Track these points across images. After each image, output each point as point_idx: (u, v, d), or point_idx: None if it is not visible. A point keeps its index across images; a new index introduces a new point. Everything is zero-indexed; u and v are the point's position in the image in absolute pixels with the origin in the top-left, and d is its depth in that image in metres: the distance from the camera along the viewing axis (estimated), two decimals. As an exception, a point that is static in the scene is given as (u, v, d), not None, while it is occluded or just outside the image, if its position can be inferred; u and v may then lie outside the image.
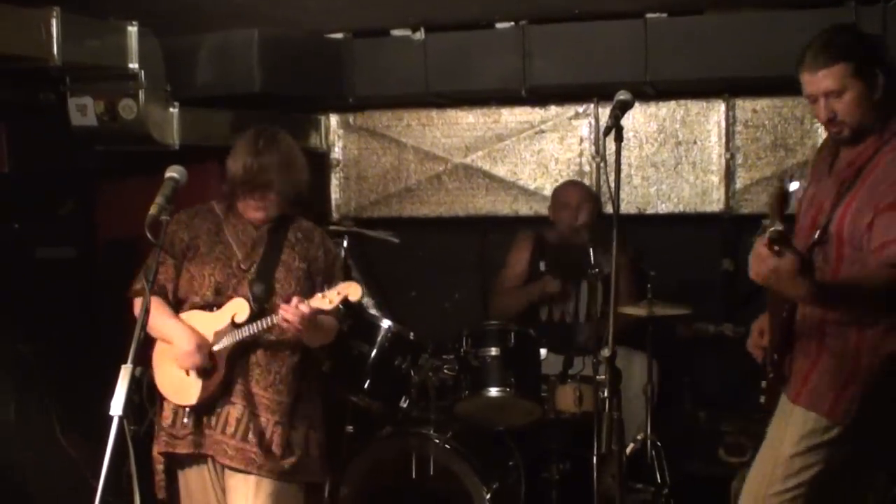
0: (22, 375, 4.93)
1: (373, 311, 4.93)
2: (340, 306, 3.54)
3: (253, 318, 3.52)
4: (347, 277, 5.12)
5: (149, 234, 3.12)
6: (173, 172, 3.20)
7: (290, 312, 3.41)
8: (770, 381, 3.36)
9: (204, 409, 3.57)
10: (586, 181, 5.90)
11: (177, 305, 3.65)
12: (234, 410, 3.57)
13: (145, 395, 3.84)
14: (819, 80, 3.15)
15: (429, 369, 4.63)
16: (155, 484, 3.65)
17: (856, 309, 3.08)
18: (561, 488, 4.88)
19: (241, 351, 3.57)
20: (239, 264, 3.63)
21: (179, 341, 3.53)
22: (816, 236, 3.18)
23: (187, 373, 3.55)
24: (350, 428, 4.87)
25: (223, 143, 4.96)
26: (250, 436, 3.56)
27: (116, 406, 2.75)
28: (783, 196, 2.77)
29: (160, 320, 3.55)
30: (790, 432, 3.22)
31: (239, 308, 3.54)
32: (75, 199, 5.29)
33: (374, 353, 4.63)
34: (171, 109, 4.97)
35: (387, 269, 5.73)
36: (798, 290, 2.86)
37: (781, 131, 5.55)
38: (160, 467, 3.65)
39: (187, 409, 3.58)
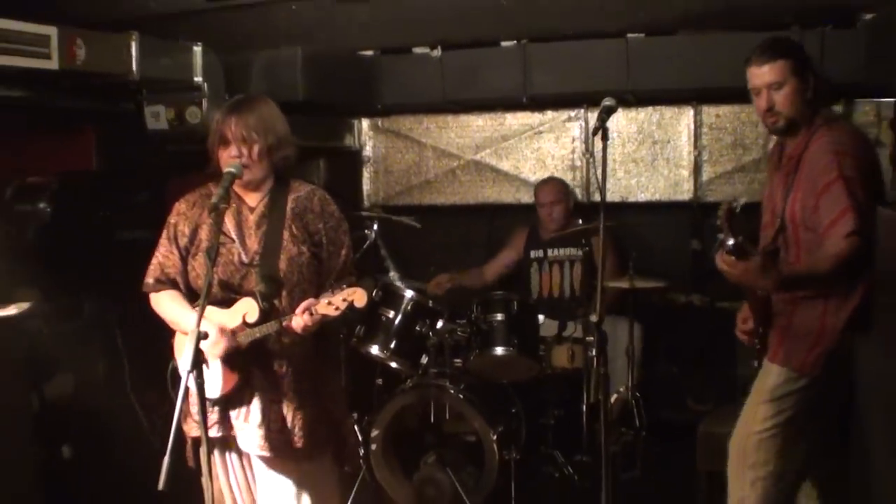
0: (108, 338, 4.99)
1: (398, 284, 4.89)
2: (347, 311, 3.11)
3: (264, 316, 3.14)
4: (376, 255, 5.14)
5: (210, 219, 3.14)
6: (231, 167, 3.11)
7: (302, 323, 3.11)
8: (759, 351, 3.44)
9: (227, 401, 3.21)
10: (578, 174, 5.93)
11: (192, 299, 3.26)
12: (256, 401, 3.20)
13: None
14: (764, 72, 3.25)
15: (445, 332, 4.65)
16: (186, 453, 3.34)
17: (816, 286, 3.19)
18: (555, 431, 5.01)
19: (257, 344, 3.19)
20: (241, 257, 3.20)
21: None
22: (777, 225, 3.28)
23: (208, 365, 3.01)
24: (380, 381, 4.93)
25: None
26: (272, 424, 3.19)
27: (185, 362, 2.75)
28: (731, 213, 2.94)
29: (179, 313, 3.23)
30: (768, 384, 3.32)
31: (249, 308, 3.14)
32: (149, 191, 5.30)
33: (399, 318, 4.65)
34: (229, 115, 5.00)
35: (410, 248, 5.81)
36: (766, 282, 3.06)
37: (740, 133, 5.64)
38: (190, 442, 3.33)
39: (211, 400, 3.19)
